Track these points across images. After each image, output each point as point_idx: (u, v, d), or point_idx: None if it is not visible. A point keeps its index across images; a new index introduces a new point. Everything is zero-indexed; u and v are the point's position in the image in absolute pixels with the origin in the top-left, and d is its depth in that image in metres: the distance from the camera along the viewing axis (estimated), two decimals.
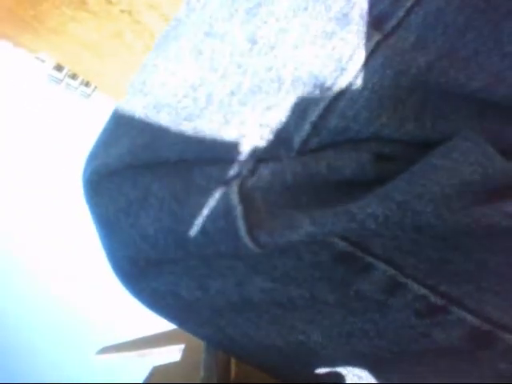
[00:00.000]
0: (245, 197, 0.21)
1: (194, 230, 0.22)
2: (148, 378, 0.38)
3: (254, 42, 0.22)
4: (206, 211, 0.22)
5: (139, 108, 0.25)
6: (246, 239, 0.21)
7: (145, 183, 0.24)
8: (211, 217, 0.22)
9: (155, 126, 0.24)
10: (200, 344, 0.31)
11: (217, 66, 0.23)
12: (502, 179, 0.20)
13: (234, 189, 0.21)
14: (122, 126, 0.25)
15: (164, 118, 0.24)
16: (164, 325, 0.27)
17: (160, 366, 0.39)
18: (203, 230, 0.22)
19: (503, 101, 0.21)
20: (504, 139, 0.21)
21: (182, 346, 0.42)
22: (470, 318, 0.21)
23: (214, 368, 0.30)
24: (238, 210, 0.21)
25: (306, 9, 0.22)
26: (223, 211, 0.21)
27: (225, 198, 0.21)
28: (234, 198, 0.21)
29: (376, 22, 0.21)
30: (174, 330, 0.27)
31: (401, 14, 0.21)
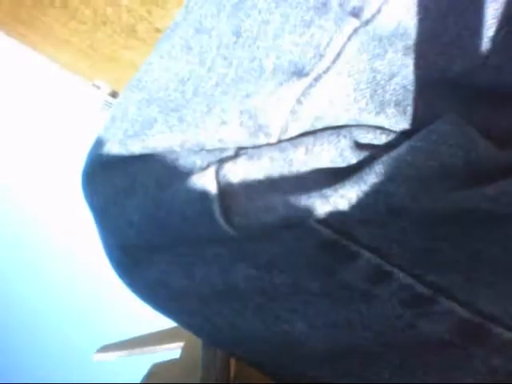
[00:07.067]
0: (221, 181, 0.22)
1: (173, 215, 0.23)
2: (147, 375, 0.38)
3: (238, 34, 0.23)
4: (184, 195, 0.22)
5: (133, 102, 0.26)
6: (221, 221, 0.21)
7: (133, 173, 0.24)
8: (189, 200, 0.22)
9: (145, 118, 0.24)
10: (200, 341, 0.31)
11: (204, 59, 0.24)
12: (486, 164, 0.19)
13: (211, 172, 0.22)
14: (117, 120, 0.26)
15: (154, 111, 0.24)
16: (164, 323, 0.27)
17: (160, 363, 0.39)
18: (182, 214, 0.22)
19: (489, 86, 0.21)
20: (496, 126, 0.21)
21: (182, 344, 0.42)
22: (459, 309, 0.21)
23: (213, 367, 0.31)
24: (214, 193, 0.22)
25: (285, 0, 0.22)
26: (200, 194, 0.22)
27: (202, 181, 0.22)
28: (211, 182, 0.22)
29: (355, 9, 0.21)
30: (173, 328, 0.27)
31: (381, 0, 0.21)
